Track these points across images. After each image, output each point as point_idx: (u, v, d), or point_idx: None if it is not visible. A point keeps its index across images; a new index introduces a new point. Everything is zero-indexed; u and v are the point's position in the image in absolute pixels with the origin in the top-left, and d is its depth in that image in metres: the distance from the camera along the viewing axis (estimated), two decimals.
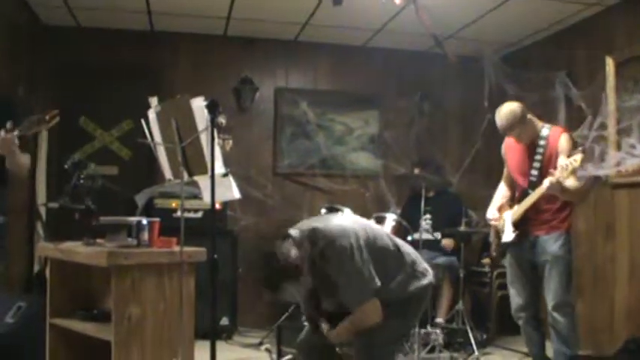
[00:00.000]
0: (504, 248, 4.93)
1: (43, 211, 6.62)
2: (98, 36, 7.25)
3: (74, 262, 4.01)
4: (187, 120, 3.65)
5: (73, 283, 4.34)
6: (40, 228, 6.64)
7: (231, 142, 6.27)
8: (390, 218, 6.05)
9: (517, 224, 4.78)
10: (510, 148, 5.06)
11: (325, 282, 3.53)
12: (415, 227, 6.21)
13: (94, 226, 4.16)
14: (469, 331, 6.01)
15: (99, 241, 4.13)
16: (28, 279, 6.57)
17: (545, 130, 4.78)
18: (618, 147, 5.90)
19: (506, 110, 4.75)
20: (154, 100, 3.90)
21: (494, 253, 5.14)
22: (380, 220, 6.00)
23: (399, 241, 3.82)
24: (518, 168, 4.93)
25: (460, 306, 6.23)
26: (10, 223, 5.83)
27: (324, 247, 3.41)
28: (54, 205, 6.05)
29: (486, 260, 7.15)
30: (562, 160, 4.43)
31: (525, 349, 5.97)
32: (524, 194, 4.76)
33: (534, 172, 4.71)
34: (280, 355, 5.58)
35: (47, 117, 4.25)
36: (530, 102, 6.82)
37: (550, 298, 4.63)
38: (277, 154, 7.76)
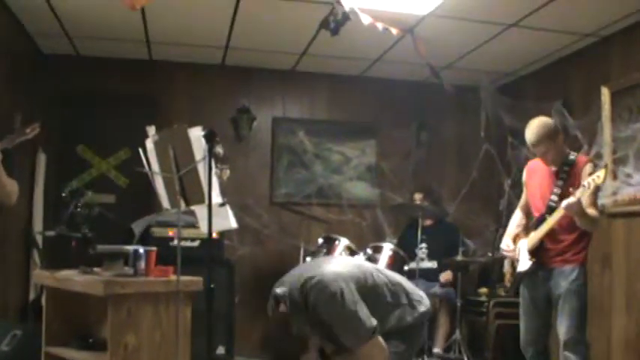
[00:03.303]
0: (519, 279, 4.75)
1: (39, 238, 6.61)
2: (97, 65, 7.29)
3: (70, 290, 4.01)
4: (185, 149, 3.66)
5: (69, 311, 4.33)
6: (36, 256, 6.63)
7: (228, 171, 6.26)
8: (387, 248, 6.05)
9: (533, 252, 4.63)
10: (532, 173, 4.90)
11: (321, 329, 3.51)
12: (412, 256, 6.22)
13: (91, 255, 4.16)
14: None
15: (95, 269, 4.13)
16: (24, 307, 6.54)
17: (572, 156, 4.63)
18: (614, 176, 5.92)
19: (538, 123, 4.57)
20: (151, 129, 3.92)
21: (507, 284, 4.93)
22: (377, 250, 6.00)
23: (390, 274, 3.80)
24: (539, 193, 4.75)
25: (457, 336, 6.22)
26: (6, 251, 5.85)
27: (316, 297, 3.38)
28: (50, 232, 6.03)
29: (483, 290, 7.14)
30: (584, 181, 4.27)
31: None
32: (542, 220, 4.59)
33: (554, 198, 4.53)
34: None
35: (28, 130, 4.29)
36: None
37: (562, 334, 4.49)
38: (274, 183, 7.77)
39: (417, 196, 6.97)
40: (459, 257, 6.40)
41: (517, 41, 6.48)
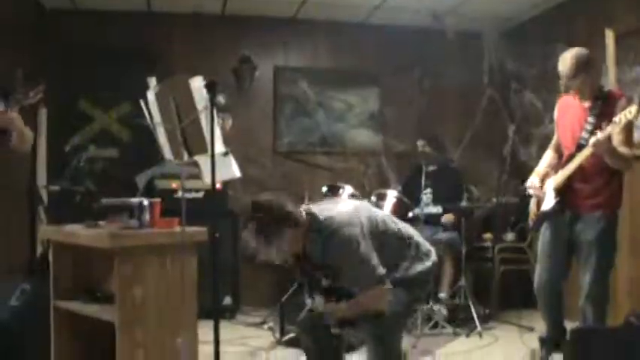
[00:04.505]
0: (542, 218, 4.56)
1: (44, 193, 6.62)
2: (95, 18, 7.21)
3: (76, 244, 4.02)
4: (186, 100, 3.63)
5: (75, 265, 4.34)
6: (41, 211, 6.64)
7: (230, 121, 6.25)
8: (392, 195, 6.04)
9: (559, 191, 4.43)
10: (564, 109, 4.65)
11: (326, 269, 3.52)
12: (416, 202, 6.22)
13: (95, 208, 4.17)
14: (471, 306, 6.03)
15: (100, 223, 4.13)
16: (31, 262, 6.58)
17: (605, 91, 4.40)
18: None
19: (574, 53, 4.35)
20: (152, 81, 3.89)
21: (530, 223, 4.74)
22: (381, 197, 6.00)
23: (402, 224, 3.80)
24: (569, 130, 4.50)
25: (462, 282, 6.24)
26: (11, 206, 5.85)
27: (329, 236, 3.38)
28: (55, 187, 6.05)
29: (487, 235, 7.16)
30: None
31: (527, 324, 6.02)
32: (571, 159, 4.37)
33: (585, 135, 4.27)
34: (283, 333, 5.60)
35: (31, 93, 4.29)
36: (530, 75, 6.85)
37: (585, 285, 4.35)
38: (277, 132, 7.75)
39: (420, 143, 6.93)
40: (464, 203, 6.40)
41: None
